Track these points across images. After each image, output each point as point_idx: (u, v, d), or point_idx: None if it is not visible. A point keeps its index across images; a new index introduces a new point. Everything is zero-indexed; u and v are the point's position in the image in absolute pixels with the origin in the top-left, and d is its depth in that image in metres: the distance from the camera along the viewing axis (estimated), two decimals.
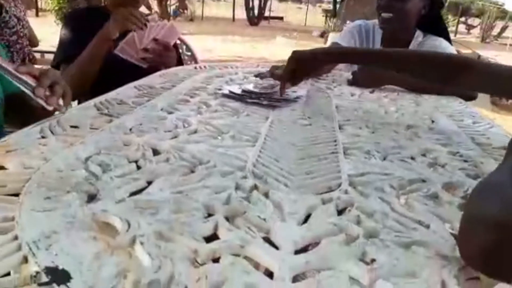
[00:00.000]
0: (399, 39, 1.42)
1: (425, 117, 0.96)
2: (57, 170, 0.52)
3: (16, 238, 0.38)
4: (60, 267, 0.34)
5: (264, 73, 1.20)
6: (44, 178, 0.49)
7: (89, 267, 0.35)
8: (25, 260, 0.36)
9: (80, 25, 1.32)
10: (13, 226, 0.40)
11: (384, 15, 1.36)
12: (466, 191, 0.58)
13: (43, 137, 0.63)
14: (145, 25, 1.22)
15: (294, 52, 1.01)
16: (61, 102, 0.71)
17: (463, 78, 0.85)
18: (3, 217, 0.41)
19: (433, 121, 0.93)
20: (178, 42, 1.54)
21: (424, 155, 0.71)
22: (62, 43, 1.35)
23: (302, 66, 1.00)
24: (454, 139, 0.81)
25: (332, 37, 8.22)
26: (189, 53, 1.86)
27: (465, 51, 7.35)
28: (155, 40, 1.27)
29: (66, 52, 1.29)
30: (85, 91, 1.21)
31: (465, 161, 0.70)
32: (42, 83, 0.67)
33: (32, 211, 0.43)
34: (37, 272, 0.34)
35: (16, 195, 0.46)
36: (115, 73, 1.14)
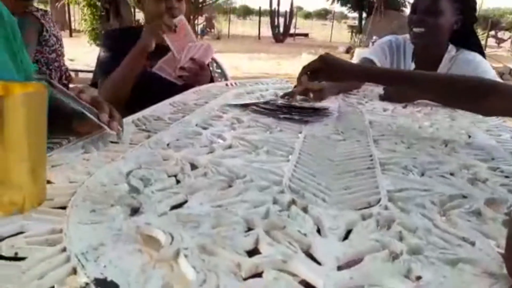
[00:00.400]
0: (431, 54, 1.41)
1: (461, 131, 0.94)
2: (101, 184, 0.53)
3: (64, 250, 0.39)
4: (109, 279, 0.35)
5: (290, 92, 1.19)
6: (88, 192, 0.51)
7: (136, 279, 0.36)
8: (74, 271, 0.37)
9: (116, 44, 1.37)
10: (61, 238, 0.41)
11: (416, 30, 1.35)
12: (510, 207, 0.56)
13: (85, 153, 0.65)
14: (175, 30, 1.27)
15: (327, 54, 1.02)
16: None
17: (492, 103, 0.83)
18: (52, 229, 0.43)
19: (470, 136, 0.91)
20: (209, 60, 1.57)
21: (463, 170, 0.69)
22: (100, 62, 1.40)
23: (326, 69, 1.00)
24: (493, 154, 0.79)
25: (358, 53, 8.20)
26: (219, 71, 1.90)
27: (496, 65, 7.19)
28: (192, 59, 1.32)
29: (105, 70, 1.33)
30: (119, 107, 1.24)
31: (507, 176, 0.68)
32: (104, 109, 0.71)
33: (79, 223, 0.44)
34: (87, 284, 0.35)
35: (63, 208, 0.47)
36: (150, 90, 1.18)
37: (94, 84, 1.39)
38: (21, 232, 0.42)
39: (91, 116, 0.67)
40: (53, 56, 2.33)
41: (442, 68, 1.40)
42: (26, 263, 0.37)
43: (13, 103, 0.42)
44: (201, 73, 1.35)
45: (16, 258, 0.38)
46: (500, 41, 19.73)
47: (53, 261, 0.38)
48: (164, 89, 1.18)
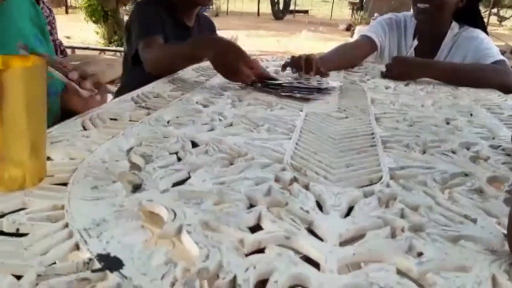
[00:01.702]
0: (435, 31, 1.39)
1: (463, 110, 0.94)
2: (102, 161, 0.53)
3: (66, 226, 0.39)
4: (112, 255, 0.35)
5: (289, 61, 1.18)
6: (90, 169, 0.51)
7: (139, 255, 0.36)
8: (77, 247, 0.37)
9: (156, 10, 1.30)
10: (63, 215, 0.41)
11: (420, 5, 1.33)
12: (511, 185, 0.56)
13: (85, 129, 0.65)
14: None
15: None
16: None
17: None
18: (53, 205, 0.43)
19: (471, 114, 0.91)
20: None
21: (465, 148, 0.69)
22: (141, 25, 1.26)
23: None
24: (495, 132, 0.78)
25: (359, 30, 8.10)
26: None
27: (497, 43, 7.11)
28: None
29: (150, 32, 1.23)
30: (160, 75, 1.12)
31: (508, 155, 0.67)
32: (74, 69, 0.69)
33: (81, 200, 0.44)
34: (90, 259, 0.35)
35: (64, 184, 0.47)
36: None
37: (126, 55, 1.34)
38: (23, 209, 0.42)
39: (60, 76, 0.65)
40: (48, 29, 2.30)
41: (445, 45, 1.39)
42: (28, 239, 0.37)
43: (12, 78, 0.41)
44: None
45: (17, 234, 0.38)
46: (502, 19, 19.47)
47: (55, 237, 0.37)
48: None
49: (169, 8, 1.32)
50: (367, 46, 1.45)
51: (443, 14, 1.35)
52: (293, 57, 1.16)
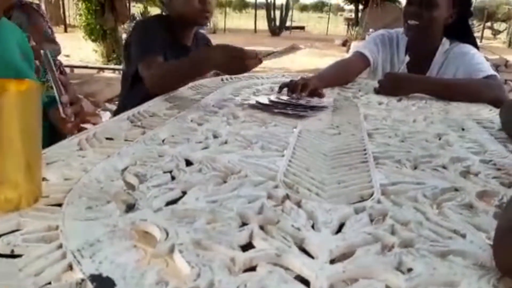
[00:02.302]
0: (425, 47, 1.41)
1: (455, 125, 0.95)
2: (97, 180, 0.54)
3: (60, 246, 0.40)
4: (105, 275, 0.36)
5: (286, 83, 1.19)
6: (84, 189, 0.51)
7: (132, 274, 0.36)
8: (70, 267, 0.37)
9: (157, 31, 1.32)
10: (57, 235, 0.42)
11: (411, 22, 1.35)
12: (501, 199, 0.57)
13: (81, 149, 0.65)
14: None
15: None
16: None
17: None
18: (48, 226, 0.43)
19: (463, 129, 0.92)
20: None
21: (456, 163, 0.70)
22: (142, 44, 1.28)
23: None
24: (486, 146, 0.80)
25: (355, 46, 8.19)
26: None
27: (491, 57, 7.18)
28: None
29: (150, 51, 1.25)
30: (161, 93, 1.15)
31: (499, 169, 0.68)
32: (69, 93, 0.75)
33: (75, 220, 0.44)
34: (83, 280, 0.35)
35: (59, 205, 0.48)
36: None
37: (125, 75, 1.36)
38: (18, 230, 0.42)
39: (57, 95, 0.72)
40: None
41: (437, 61, 1.41)
42: (22, 260, 0.37)
43: (7, 101, 0.42)
44: None
45: (12, 256, 0.38)
46: (496, 32, 19.72)
47: (49, 258, 0.38)
48: None
49: (167, 28, 1.34)
50: (360, 63, 1.47)
51: (433, 30, 1.37)
52: (291, 80, 1.17)
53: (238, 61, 1.02)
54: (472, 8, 1.46)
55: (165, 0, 1.37)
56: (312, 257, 0.41)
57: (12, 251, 0.39)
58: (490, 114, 1.08)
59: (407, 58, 1.43)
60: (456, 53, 1.38)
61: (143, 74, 1.20)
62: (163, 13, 1.43)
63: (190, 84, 1.24)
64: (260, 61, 1.05)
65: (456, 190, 0.59)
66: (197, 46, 1.45)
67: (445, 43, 1.41)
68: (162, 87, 1.14)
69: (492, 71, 1.32)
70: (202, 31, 1.63)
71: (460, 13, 1.37)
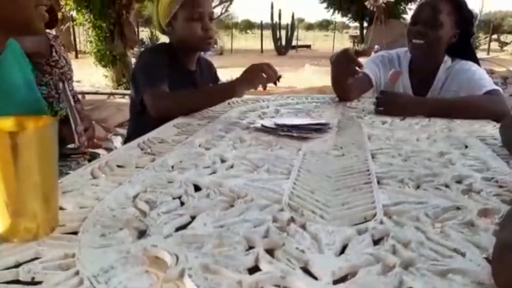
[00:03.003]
0: (428, 65, 1.44)
1: (458, 143, 0.96)
2: (110, 208, 0.56)
3: (77, 273, 0.42)
4: None
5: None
6: (98, 217, 0.54)
7: None
8: None
9: (162, 58, 1.37)
10: (74, 262, 0.44)
11: (415, 41, 1.39)
12: (501, 217, 0.58)
13: (94, 178, 0.68)
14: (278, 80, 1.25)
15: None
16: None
17: None
18: (65, 254, 0.46)
19: (466, 147, 0.94)
20: None
21: (458, 182, 0.71)
22: (147, 73, 1.33)
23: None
24: (489, 164, 0.81)
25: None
26: None
27: (498, 69, 7.17)
28: None
29: (155, 80, 1.29)
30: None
31: (501, 186, 0.70)
32: (83, 121, 0.79)
33: (90, 247, 0.47)
34: None
35: (75, 233, 0.50)
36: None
37: (133, 102, 1.41)
38: (37, 258, 0.45)
39: (72, 124, 0.79)
40: (62, 79, 2.40)
41: (439, 78, 1.43)
42: (42, 287, 0.40)
43: (26, 139, 0.46)
44: None
45: (33, 283, 0.41)
46: (503, 44, 19.70)
47: (67, 284, 0.40)
48: None
49: (171, 54, 1.39)
50: (363, 81, 1.50)
51: (437, 49, 1.40)
52: None
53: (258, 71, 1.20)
54: (474, 27, 1.49)
55: (167, 30, 1.41)
56: (316, 278, 0.43)
57: (33, 278, 0.41)
58: (494, 130, 1.10)
59: (408, 78, 1.46)
60: (458, 69, 1.41)
61: (148, 103, 1.25)
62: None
63: None
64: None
65: (458, 208, 0.60)
66: (201, 70, 1.50)
67: (447, 60, 1.44)
68: (166, 116, 1.18)
69: (493, 86, 1.34)
70: (209, 53, 1.67)
71: (463, 32, 1.40)
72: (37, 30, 0.84)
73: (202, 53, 1.54)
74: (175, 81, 1.34)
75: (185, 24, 1.35)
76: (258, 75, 1.22)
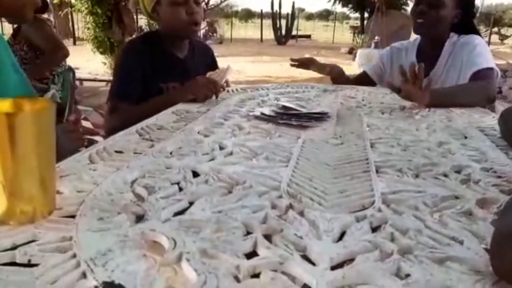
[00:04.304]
0: (435, 41, 1.51)
1: (457, 133, 0.96)
2: (107, 193, 0.56)
3: (74, 256, 0.42)
4: (117, 282, 0.38)
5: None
6: (96, 201, 0.54)
7: (142, 282, 0.38)
8: (84, 276, 0.39)
9: (138, 58, 1.33)
10: (71, 245, 0.44)
11: (419, 20, 1.45)
12: (500, 207, 0.58)
13: (92, 163, 0.68)
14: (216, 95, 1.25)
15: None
16: None
17: None
18: (62, 237, 0.46)
19: (466, 137, 0.93)
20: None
21: (457, 171, 0.71)
22: (119, 79, 1.34)
23: None
24: (487, 154, 0.81)
25: (360, 53, 8.20)
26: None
27: (499, 62, 7.14)
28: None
29: (126, 91, 1.30)
30: None
31: (499, 177, 0.70)
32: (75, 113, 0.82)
33: (88, 231, 0.47)
34: (96, 287, 0.37)
35: (72, 216, 0.50)
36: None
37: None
38: (33, 240, 0.45)
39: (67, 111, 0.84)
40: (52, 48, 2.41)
41: (444, 54, 1.49)
42: (39, 270, 0.39)
43: (23, 120, 0.45)
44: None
45: (29, 265, 0.41)
46: (503, 37, 19.63)
47: (64, 267, 0.40)
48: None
49: (158, 42, 1.35)
50: (366, 81, 1.67)
51: (440, 28, 1.46)
52: None
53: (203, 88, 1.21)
54: (475, 10, 1.54)
55: (155, 16, 1.38)
56: (313, 264, 0.43)
57: (29, 260, 0.41)
58: (493, 121, 1.09)
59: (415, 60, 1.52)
60: (462, 43, 1.46)
61: (105, 114, 1.34)
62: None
63: None
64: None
65: (456, 198, 0.60)
66: (193, 56, 1.45)
67: (453, 36, 1.50)
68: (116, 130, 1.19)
69: (485, 65, 1.37)
70: (209, 42, 1.66)
71: (465, 13, 1.46)
72: (24, 18, 0.85)
73: (205, 38, 1.52)
74: (163, 70, 1.32)
75: (169, 8, 1.31)
76: (201, 89, 1.22)
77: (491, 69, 1.37)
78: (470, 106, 1.25)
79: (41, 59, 2.33)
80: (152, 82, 1.31)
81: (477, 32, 1.55)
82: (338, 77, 1.70)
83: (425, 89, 1.20)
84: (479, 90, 1.31)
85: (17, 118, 0.45)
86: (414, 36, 1.62)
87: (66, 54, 2.47)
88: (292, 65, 1.71)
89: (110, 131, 1.21)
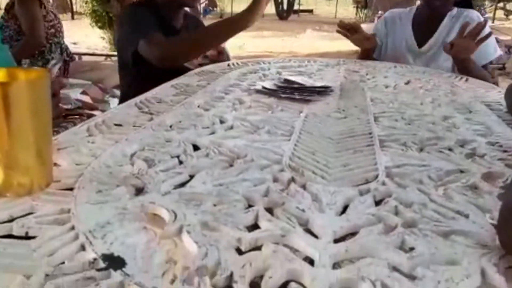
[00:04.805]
0: (436, 16, 1.55)
1: (462, 107, 0.94)
2: (106, 166, 0.55)
3: (73, 228, 0.41)
4: (116, 254, 0.37)
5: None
6: (95, 174, 0.53)
7: (142, 254, 0.37)
8: (83, 248, 0.39)
9: (146, 10, 1.30)
10: (69, 218, 0.43)
11: None
12: (506, 181, 0.57)
13: (90, 135, 0.67)
14: None
15: None
16: None
17: None
18: (60, 209, 0.45)
19: (470, 111, 0.92)
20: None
21: (462, 146, 0.70)
22: (137, 24, 1.25)
23: None
24: (493, 129, 0.79)
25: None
26: None
27: (503, 38, 7.05)
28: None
29: (148, 28, 1.23)
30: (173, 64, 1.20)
31: (505, 151, 0.68)
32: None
33: (86, 203, 0.46)
34: (95, 259, 0.37)
35: (70, 189, 0.49)
36: (151, 71, 1.18)
37: (123, 64, 1.37)
38: (31, 213, 0.44)
39: None
40: (52, 31, 2.37)
41: (445, 25, 1.54)
42: (36, 242, 0.39)
43: (17, 90, 0.44)
44: (219, 59, 1.36)
45: (27, 237, 0.40)
46: (508, 13, 19.29)
47: (62, 239, 0.39)
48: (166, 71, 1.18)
49: (155, 10, 1.32)
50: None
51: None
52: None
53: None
54: None
55: None
56: (316, 237, 0.42)
57: (26, 233, 0.40)
58: (499, 95, 1.07)
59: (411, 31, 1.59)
60: (466, 17, 1.49)
61: (147, 50, 1.18)
62: None
63: (196, 70, 1.24)
64: None
65: (461, 172, 0.59)
66: (187, 28, 1.44)
67: (454, 10, 1.54)
68: (172, 63, 1.15)
69: (493, 55, 1.50)
70: (209, 16, 1.62)
71: None
72: None
73: (189, 9, 1.49)
74: None
75: None
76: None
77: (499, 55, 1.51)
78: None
79: (14, 47, 2.21)
80: None
81: (471, 6, 1.64)
82: (372, 53, 1.65)
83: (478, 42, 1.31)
84: (483, 79, 1.38)
85: (12, 88, 0.44)
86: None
87: (37, 47, 2.33)
88: (338, 31, 1.61)
89: (170, 59, 1.17)
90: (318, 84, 1.06)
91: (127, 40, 1.28)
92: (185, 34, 1.24)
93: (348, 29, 1.58)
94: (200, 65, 1.35)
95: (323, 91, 1.02)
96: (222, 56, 1.41)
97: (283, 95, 0.96)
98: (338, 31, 1.61)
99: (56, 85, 0.82)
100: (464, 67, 1.39)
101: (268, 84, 1.03)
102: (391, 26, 1.64)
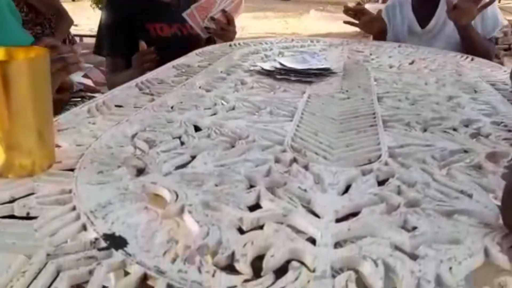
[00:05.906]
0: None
1: (467, 87, 0.93)
2: (107, 146, 0.55)
3: (74, 208, 0.41)
4: (117, 234, 0.37)
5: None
6: (96, 154, 0.52)
7: (143, 234, 0.37)
8: (84, 228, 0.39)
9: (122, 10, 1.34)
10: (71, 198, 0.43)
11: None
12: (510, 161, 0.56)
13: (91, 116, 0.66)
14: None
15: None
16: None
17: None
18: (61, 190, 0.45)
19: (476, 91, 0.90)
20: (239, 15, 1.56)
21: (466, 125, 0.69)
22: (104, 34, 1.38)
23: None
24: (498, 108, 0.78)
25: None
26: None
27: (509, 18, 6.92)
28: (223, 11, 1.31)
29: (112, 46, 1.36)
30: None
31: (510, 131, 0.68)
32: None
33: (87, 184, 0.46)
34: (96, 239, 0.37)
35: (71, 170, 0.49)
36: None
37: (97, 52, 1.41)
38: (32, 193, 0.44)
39: None
40: (55, 17, 2.34)
41: (442, 6, 1.49)
42: (38, 222, 0.39)
43: (17, 69, 0.43)
44: (227, 28, 1.34)
45: (28, 217, 0.40)
46: None
47: (63, 219, 0.39)
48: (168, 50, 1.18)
49: None
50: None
51: None
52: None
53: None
54: None
55: None
56: (318, 216, 0.42)
57: (28, 213, 0.40)
58: (504, 75, 1.06)
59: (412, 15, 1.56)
60: None
61: (108, 73, 1.38)
62: None
63: (198, 51, 1.23)
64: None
65: (466, 151, 0.59)
66: (179, 3, 1.43)
67: None
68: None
69: (498, 27, 1.49)
70: None
71: None
72: None
73: None
74: (149, 15, 1.33)
75: None
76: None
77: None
78: (476, 55, 1.31)
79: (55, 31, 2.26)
80: (140, 26, 1.33)
81: None
82: (384, 37, 1.63)
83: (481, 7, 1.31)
84: (487, 52, 1.41)
85: (11, 67, 0.43)
86: None
87: (70, 24, 2.39)
88: (346, 22, 1.60)
89: (111, 85, 1.24)
90: (321, 64, 1.04)
91: (100, 41, 1.39)
92: (125, 73, 1.29)
93: (355, 14, 1.56)
94: (206, 28, 1.34)
95: (326, 71, 1.00)
96: (231, 26, 1.38)
97: (285, 76, 0.95)
98: (345, 22, 1.60)
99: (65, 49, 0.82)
100: (466, 35, 1.38)
101: (270, 65, 1.01)
102: (392, 13, 1.62)
